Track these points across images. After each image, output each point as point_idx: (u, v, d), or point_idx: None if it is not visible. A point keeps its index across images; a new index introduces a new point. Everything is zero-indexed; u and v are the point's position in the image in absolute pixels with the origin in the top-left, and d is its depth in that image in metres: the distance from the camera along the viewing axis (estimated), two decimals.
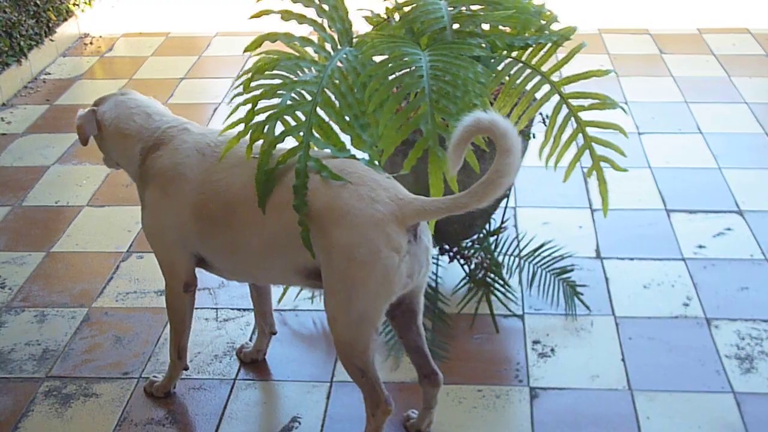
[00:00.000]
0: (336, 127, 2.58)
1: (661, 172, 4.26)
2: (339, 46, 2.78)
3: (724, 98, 5.05)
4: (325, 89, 2.55)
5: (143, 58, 5.95)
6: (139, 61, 5.89)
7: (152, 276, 3.58)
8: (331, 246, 2.40)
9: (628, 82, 5.25)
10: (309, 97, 2.54)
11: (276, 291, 3.30)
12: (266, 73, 2.60)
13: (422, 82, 2.54)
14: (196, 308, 3.34)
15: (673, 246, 3.70)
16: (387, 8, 2.99)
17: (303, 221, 2.41)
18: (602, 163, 2.89)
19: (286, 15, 2.74)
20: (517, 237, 3.64)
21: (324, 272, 2.46)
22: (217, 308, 3.40)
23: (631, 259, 3.63)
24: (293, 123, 2.53)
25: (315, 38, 2.84)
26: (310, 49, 2.77)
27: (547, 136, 2.89)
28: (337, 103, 2.57)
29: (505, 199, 3.43)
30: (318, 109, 2.53)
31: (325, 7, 2.80)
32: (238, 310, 3.39)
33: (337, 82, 2.59)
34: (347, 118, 2.56)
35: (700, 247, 3.68)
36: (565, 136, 2.90)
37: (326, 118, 2.56)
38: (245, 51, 2.75)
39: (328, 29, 2.80)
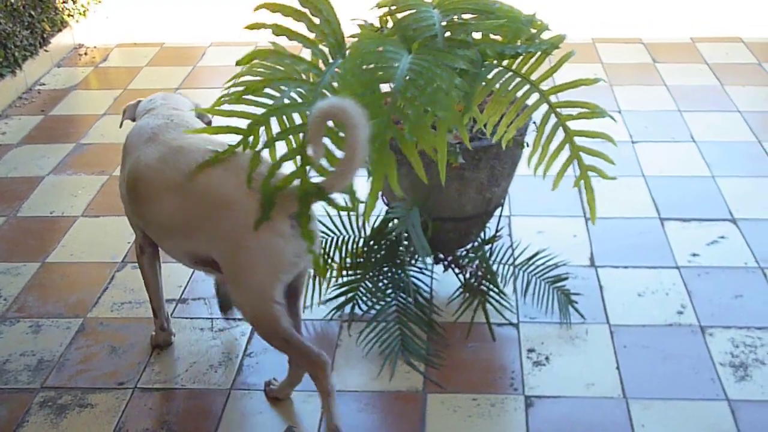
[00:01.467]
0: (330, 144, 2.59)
1: (655, 181, 4.28)
2: (331, 60, 2.78)
3: (717, 107, 5.07)
4: None
5: (138, 68, 5.95)
6: (134, 71, 5.90)
7: None
8: (221, 233, 2.58)
9: (622, 91, 5.27)
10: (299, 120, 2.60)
11: None
12: (250, 98, 2.63)
13: (395, 79, 2.57)
14: (192, 318, 3.37)
15: (667, 254, 3.71)
16: (380, 17, 3.00)
17: (306, 234, 2.55)
18: (591, 173, 2.90)
19: (278, 29, 2.74)
20: (511, 246, 3.64)
21: (218, 259, 2.65)
22: (212, 318, 3.41)
23: (626, 267, 3.64)
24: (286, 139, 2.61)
25: (308, 54, 2.85)
26: (303, 66, 2.78)
27: (535, 144, 2.90)
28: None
29: (500, 208, 3.44)
30: None
31: (317, 20, 2.80)
32: (234, 319, 3.39)
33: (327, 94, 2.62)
34: (341, 134, 2.57)
35: (694, 255, 3.70)
36: (554, 145, 2.91)
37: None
38: (237, 64, 2.76)
39: (319, 44, 2.81)
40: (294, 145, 2.64)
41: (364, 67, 2.64)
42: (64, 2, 6.31)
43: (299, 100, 2.62)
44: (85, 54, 6.24)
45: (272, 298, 2.60)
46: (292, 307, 2.77)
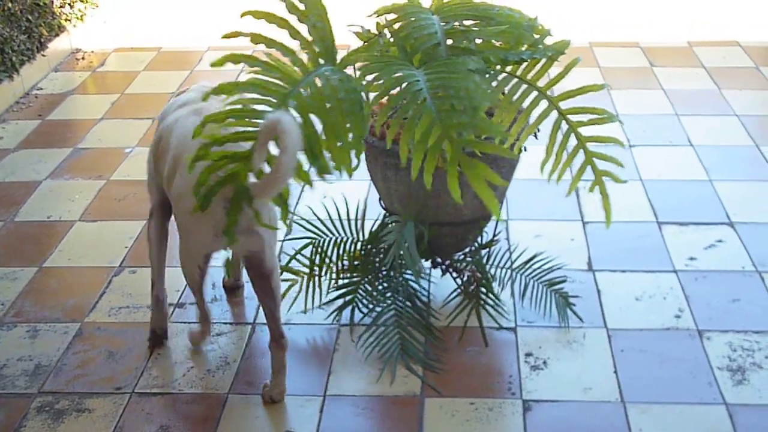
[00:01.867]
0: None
1: (653, 185, 4.28)
2: (314, 66, 2.74)
3: (714, 111, 5.07)
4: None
5: (135, 72, 5.95)
6: (131, 75, 5.90)
7: (145, 291, 3.57)
8: (173, 190, 2.84)
9: (619, 95, 5.27)
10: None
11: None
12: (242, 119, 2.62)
13: (427, 104, 2.53)
14: (189, 322, 3.37)
15: (664, 258, 3.71)
16: (378, 24, 2.99)
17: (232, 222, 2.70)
18: (605, 177, 2.88)
19: (256, 38, 2.72)
20: (509, 249, 3.64)
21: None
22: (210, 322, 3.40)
23: (623, 271, 3.64)
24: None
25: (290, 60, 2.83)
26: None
27: (548, 152, 2.88)
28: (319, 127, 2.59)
29: None
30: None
31: (302, 27, 2.76)
32: (231, 324, 3.39)
33: (306, 95, 2.61)
34: (324, 138, 2.58)
35: (692, 259, 3.70)
36: (565, 152, 2.89)
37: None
38: (212, 66, 2.74)
39: (302, 51, 2.77)
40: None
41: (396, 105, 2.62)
42: (61, 7, 6.31)
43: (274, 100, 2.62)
44: (83, 59, 6.24)
45: (195, 261, 2.88)
46: (261, 286, 2.93)
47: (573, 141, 2.91)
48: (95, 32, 6.60)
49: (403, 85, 2.59)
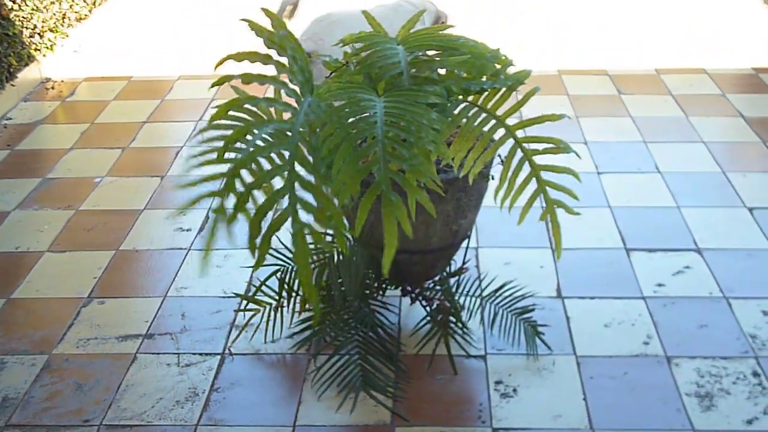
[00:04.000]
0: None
1: (621, 212, 4.31)
2: (302, 98, 2.77)
3: (682, 138, 5.12)
4: (299, 144, 2.56)
5: (105, 102, 5.94)
6: (102, 105, 5.89)
7: (114, 321, 3.57)
8: None
9: (588, 123, 5.32)
10: (280, 161, 2.56)
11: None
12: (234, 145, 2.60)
13: (376, 127, 2.56)
14: (158, 353, 3.35)
15: (633, 284, 3.74)
16: (345, 53, 3.01)
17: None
18: (557, 207, 2.91)
19: (248, 77, 2.72)
20: (479, 277, 3.65)
21: None
22: (179, 353, 3.39)
23: (592, 298, 3.66)
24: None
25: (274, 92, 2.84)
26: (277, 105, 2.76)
27: (502, 179, 2.91)
28: (311, 159, 2.58)
29: (467, 240, 3.45)
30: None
31: (284, 60, 2.80)
32: (200, 354, 3.38)
33: (304, 130, 2.60)
34: (322, 170, 2.57)
35: (660, 285, 3.72)
36: (519, 179, 2.92)
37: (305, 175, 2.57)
38: (211, 121, 2.70)
39: (289, 83, 2.80)
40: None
41: (348, 120, 2.61)
42: (31, 37, 6.29)
43: (272, 140, 2.59)
44: (53, 88, 6.22)
45: None
46: None
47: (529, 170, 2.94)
48: (66, 61, 6.59)
49: (365, 113, 2.61)
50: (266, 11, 2.86)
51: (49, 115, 5.74)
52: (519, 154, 2.91)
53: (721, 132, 5.17)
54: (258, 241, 2.41)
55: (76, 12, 7.12)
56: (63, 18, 6.85)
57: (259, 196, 2.42)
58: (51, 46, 6.53)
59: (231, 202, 2.32)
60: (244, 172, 2.42)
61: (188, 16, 7.69)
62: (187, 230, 4.23)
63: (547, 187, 2.89)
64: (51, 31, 6.60)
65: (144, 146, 5.22)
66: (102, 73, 6.47)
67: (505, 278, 3.68)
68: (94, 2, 7.56)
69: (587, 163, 4.75)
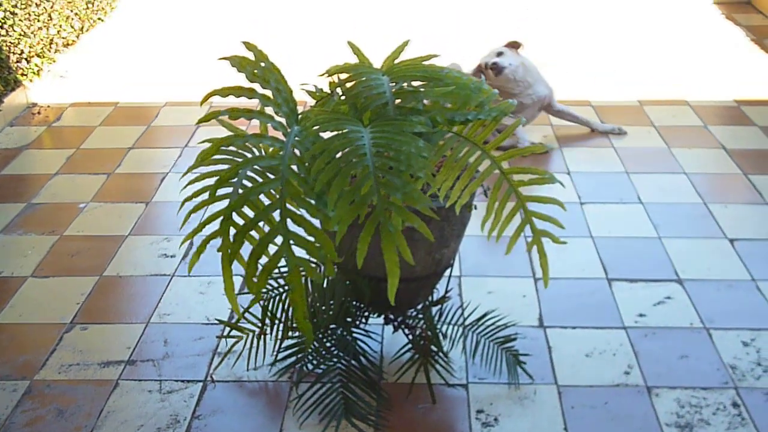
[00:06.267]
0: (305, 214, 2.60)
1: (603, 242, 4.34)
2: (288, 129, 2.79)
3: (664, 169, 5.16)
4: (289, 179, 2.59)
5: (91, 127, 5.95)
6: (88, 130, 5.90)
7: (96, 347, 3.56)
8: None
9: (571, 153, 5.35)
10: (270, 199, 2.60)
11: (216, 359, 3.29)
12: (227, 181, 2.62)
13: (366, 159, 2.58)
14: (140, 380, 3.35)
15: (614, 314, 3.76)
16: (330, 83, 3.04)
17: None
18: (543, 237, 2.93)
19: (234, 113, 2.75)
20: (461, 306, 3.67)
21: None
22: (161, 380, 3.39)
23: (574, 327, 3.68)
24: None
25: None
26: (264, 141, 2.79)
27: (489, 209, 2.93)
28: (302, 189, 2.60)
29: (450, 269, 3.47)
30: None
31: (268, 92, 2.82)
32: (183, 381, 3.38)
33: (294, 168, 2.62)
34: (312, 201, 2.59)
35: (641, 315, 3.75)
36: (506, 210, 2.94)
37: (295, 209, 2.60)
38: (202, 159, 2.73)
39: (275, 115, 2.82)
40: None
41: (337, 155, 2.63)
42: (17, 62, 6.31)
43: (260, 180, 2.61)
44: (39, 113, 6.23)
45: None
46: None
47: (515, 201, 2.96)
48: (52, 87, 6.60)
49: (353, 145, 2.63)
50: (247, 44, 2.89)
51: (35, 140, 5.75)
52: (505, 185, 2.93)
53: (703, 163, 5.22)
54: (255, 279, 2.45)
55: (63, 38, 7.14)
56: (50, 43, 6.88)
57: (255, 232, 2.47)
58: (38, 71, 6.54)
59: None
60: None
61: (175, 42, 7.71)
62: (171, 256, 4.23)
63: (534, 218, 2.91)
64: (38, 56, 6.62)
65: (129, 172, 5.23)
66: (88, 98, 6.49)
67: (487, 307, 3.70)
68: (82, 28, 7.59)
69: (570, 193, 4.78)
